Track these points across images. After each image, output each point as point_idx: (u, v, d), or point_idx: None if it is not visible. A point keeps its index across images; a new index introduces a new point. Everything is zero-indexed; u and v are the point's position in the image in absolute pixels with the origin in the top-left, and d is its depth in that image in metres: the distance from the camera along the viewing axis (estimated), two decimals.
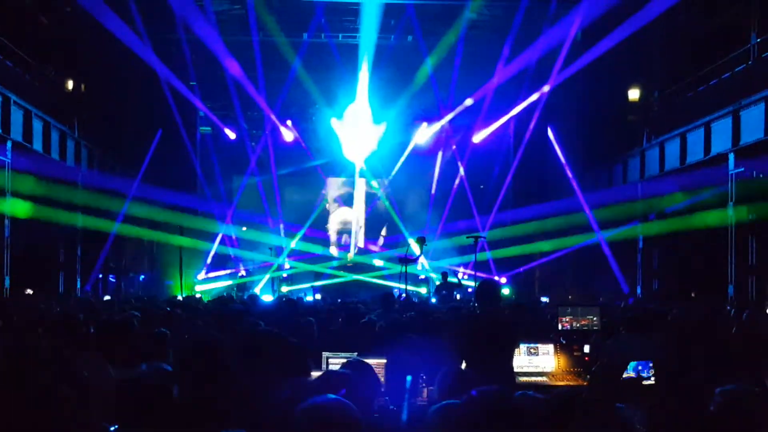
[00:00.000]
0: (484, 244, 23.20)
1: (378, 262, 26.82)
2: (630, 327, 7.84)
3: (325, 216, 28.88)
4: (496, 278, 23.34)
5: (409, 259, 14.29)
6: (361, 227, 28.58)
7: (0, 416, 2.78)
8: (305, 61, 24.49)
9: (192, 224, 25.12)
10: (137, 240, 25.67)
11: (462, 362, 6.79)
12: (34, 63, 19.23)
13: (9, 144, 16.50)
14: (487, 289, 7.53)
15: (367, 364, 4.80)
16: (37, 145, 18.28)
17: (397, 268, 15.25)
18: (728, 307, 12.37)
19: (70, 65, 21.41)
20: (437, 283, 21.75)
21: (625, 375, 6.34)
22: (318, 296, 22.79)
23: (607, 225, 22.03)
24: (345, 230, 28.71)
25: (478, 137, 26.53)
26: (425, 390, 6.29)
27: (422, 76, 24.72)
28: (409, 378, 4.76)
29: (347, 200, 28.81)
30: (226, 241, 26.85)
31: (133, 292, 23.57)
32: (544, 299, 20.07)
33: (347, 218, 28.79)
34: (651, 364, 6.49)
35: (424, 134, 27.22)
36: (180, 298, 16.54)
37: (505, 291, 24.05)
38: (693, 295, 17.99)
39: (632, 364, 6.47)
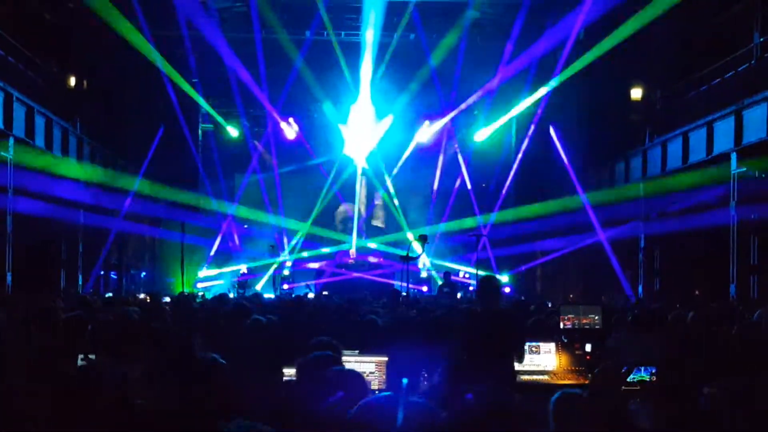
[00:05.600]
0: (486, 242, 23.20)
1: (375, 259, 26.77)
2: (631, 326, 7.83)
3: (326, 214, 28.76)
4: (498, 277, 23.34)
5: (410, 257, 14.27)
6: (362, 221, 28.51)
7: None
8: (307, 58, 24.45)
9: (194, 221, 25.14)
10: (139, 237, 25.68)
11: (462, 360, 6.75)
12: (37, 59, 19.22)
13: (11, 140, 16.50)
14: (487, 285, 7.36)
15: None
16: (39, 141, 18.28)
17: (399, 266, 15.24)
18: (733, 307, 12.35)
19: (72, 62, 21.40)
20: (440, 282, 21.78)
21: (631, 379, 6.33)
22: (311, 294, 22.80)
23: (609, 224, 22.01)
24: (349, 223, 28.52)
25: (480, 135, 26.53)
26: (426, 387, 6.28)
27: (425, 74, 24.70)
28: (405, 380, 4.70)
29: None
30: (228, 238, 26.85)
31: (134, 289, 23.60)
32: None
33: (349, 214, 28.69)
34: (654, 370, 6.46)
35: (427, 132, 27.21)
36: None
37: (507, 289, 24.05)
38: (697, 293, 17.95)
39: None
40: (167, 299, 14.76)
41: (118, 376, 4.29)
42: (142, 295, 18.28)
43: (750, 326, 7.73)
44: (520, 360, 7.20)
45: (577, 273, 24.56)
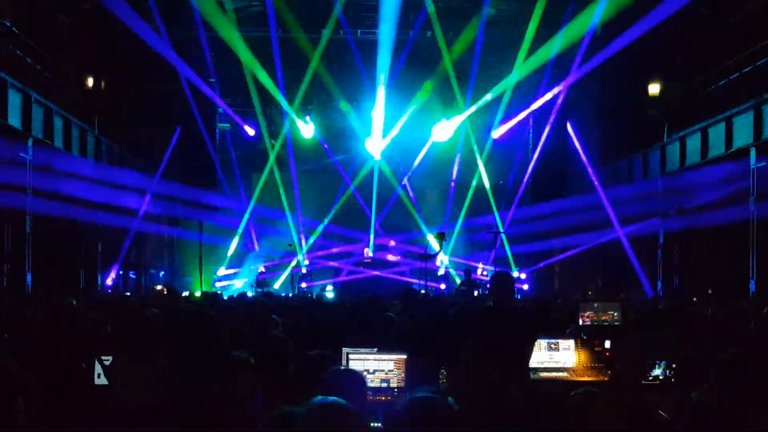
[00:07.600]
0: (503, 239, 23.16)
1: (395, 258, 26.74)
2: (650, 323, 7.78)
3: (344, 212, 28.59)
4: (515, 274, 23.29)
5: (428, 255, 14.28)
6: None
7: None
8: (324, 57, 24.49)
9: (212, 221, 25.22)
10: (157, 236, 25.78)
11: (475, 356, 6.69)
12: (55, 61, 19.31)
13: (30, 141, 16.59)
14: (500, 281, 7.28)
15: (355, 372, 4.63)
16: (58, 142, 18.38)
17: (416, 264, 15.25)
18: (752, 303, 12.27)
19: (90, 62, 21.49)
20: (458, 280, 21.77)
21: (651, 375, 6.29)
22: (330, 292, 22.81)
23: (628, 220, 21.92)
24: None
25: (497, 132, 26.46)
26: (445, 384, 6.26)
27: (441, 71, 24.69)
28: None
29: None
30: (246, 237, 26.89)
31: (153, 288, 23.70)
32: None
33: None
34: (674, 365, 6.43)
35: (444, 129, 27.12)
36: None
37: (524, 286, 24.03)
38: (710, 291, 17.83)
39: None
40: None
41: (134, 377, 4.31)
42: (159, 287, 18.37)
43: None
44: (527, 359, 7.07)
45: (595, 270, 24.48)
